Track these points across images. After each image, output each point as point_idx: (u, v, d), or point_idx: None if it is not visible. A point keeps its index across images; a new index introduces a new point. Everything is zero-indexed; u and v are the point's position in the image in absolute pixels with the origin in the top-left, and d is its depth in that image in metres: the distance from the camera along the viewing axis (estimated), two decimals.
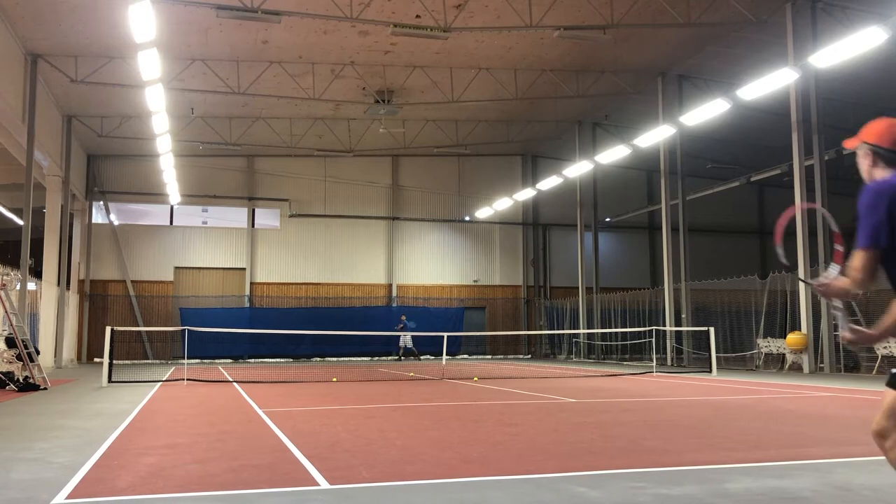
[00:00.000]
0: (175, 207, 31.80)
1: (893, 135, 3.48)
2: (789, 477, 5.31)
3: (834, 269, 3.58)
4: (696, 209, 28.59)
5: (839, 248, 3.76)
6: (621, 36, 20.83)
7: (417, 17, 18.42)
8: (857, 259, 3.28)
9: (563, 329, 32.76)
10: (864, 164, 3.54)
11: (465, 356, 33.31)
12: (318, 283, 32.83)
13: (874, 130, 3.53)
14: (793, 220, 19.83)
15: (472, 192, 34.55)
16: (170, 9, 17.10)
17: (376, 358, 31.60)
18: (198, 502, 4.62)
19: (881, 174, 3.44)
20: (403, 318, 30.97)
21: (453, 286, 34.32)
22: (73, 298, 28.14)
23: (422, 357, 30.90)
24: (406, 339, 30.18)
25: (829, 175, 19.82)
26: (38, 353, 16.17)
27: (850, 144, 3.67)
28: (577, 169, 27.94)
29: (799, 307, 20.01)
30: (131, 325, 29.67)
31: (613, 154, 25.43)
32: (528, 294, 35.44)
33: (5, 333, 15.44)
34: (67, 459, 6.27)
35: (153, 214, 31.84)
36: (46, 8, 17.58)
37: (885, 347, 18.01)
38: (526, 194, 32.13)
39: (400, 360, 30.45)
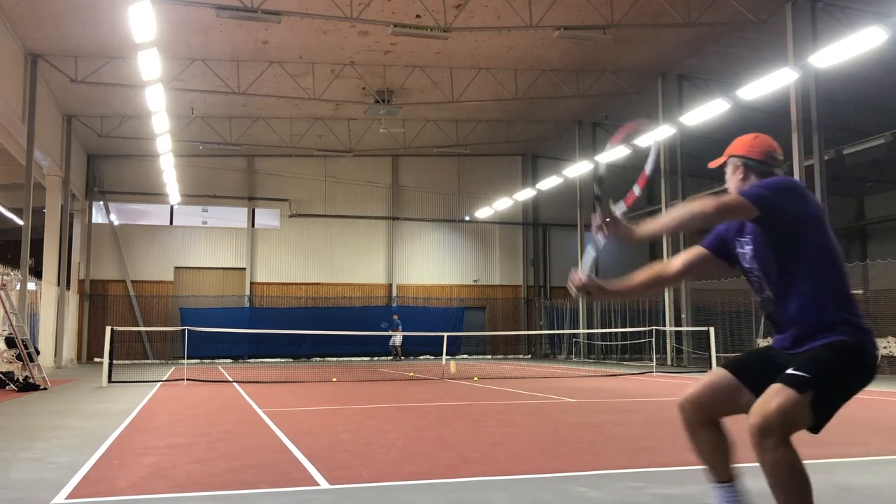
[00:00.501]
0: (175, 207, 31.79)
1: (762, 146, 3.44)
2: None
3: (620, 208, 3.35)
4: None
5: (638, 190, 3.53)
6: (621, 36, 20.82)
7: (417, 17, 18.41)
8: (731, 201, 3.08)
9: (563, 329, 32.76)
10: (733, 179, 3.44)
11: (465, 356, 33.30)
12: (318, 283, 32.82)
13: (743, 143, 3.47)
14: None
15: (472, 192, 34.54)
16: (170, 9, 17.10)
17: (376, 358, 31.58)
18: (198, 502, 4.62)
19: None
20: (395, 317, 30.69)
21: (453, 286, 34.32)
22: (73, 298, 28.14)
23: (402, 358, 30.72)
24: (396, 337, 29.85)
25: (829, 175, 19.81)
26: (38, 353, 16.17)
27: (715, 164, 3.57)
28: (577, 169, 27.95)
29: None
30: (131, 325, 29.66)
31: (613, 154, 25.41)
32: (528, 294, 35.44)
33: (5, 333, 15.44)
34: (67, 459, 6.27)
35: (153, 214, 31.84)
36: (46, 8, 17.57)
37: (884, 347, 17.99)
38: (526, 194, 32.14)
39: (399, 359, 30.38)
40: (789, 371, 3.03)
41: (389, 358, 30.75)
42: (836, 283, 3.13)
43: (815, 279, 3.12)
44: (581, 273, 3.34)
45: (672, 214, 3.13)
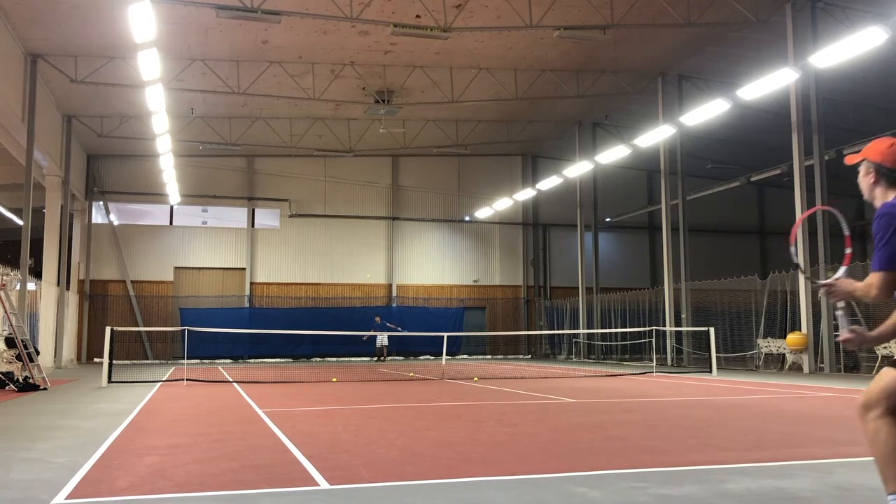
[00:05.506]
0: (175, 207, 31.79)
1: None
2: (789, 477, 5.31)
3: (842, 271, 3.64)
4: (696, 209, 28.60)
5: (848, 250, 3.84)
6: (621, 36, 20.83)
7: (417, 17, 18.42)
8: (875, 279, 3.37)
9: (563, 329, 32.76)
10: (865, 181, 3.61)
11: (465, 356, 33.31)
12: (318, 283, 32.82)
13: (878, 149, 3.57)
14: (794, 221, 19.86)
15: (472, 192, 34.55)
16: (170, 9, 17.10)
17: (375, 359, 31.57)
18: (198, 502, 4.62)
19: (881, 193, 3.52)
20: (378, 318, 30.37)
21: (453, 286, 34.32)
22: (72, 298, 28.14)
23: (387, 359, 30.33)
24: (383, 338, 29.43)
25: (829, 175, 19.83)
26: (37, 353, 16.17)
27: (852, 160, 3.72)
28: (577, 169, 27.94)
29: (799, 307, 20.01)
30: (131, 326, 29.67)
31: (613, 154, 25.44)
32: (528, 294, 35.44)
33: (5, 333, 15.45)
34: (67, 459, 6.27)
35: (153, 214, 31.84)
36: (46, 8, 17.57)
37: (885, 348, 18.01)
38: (526, 194, 32.13)
39: (378, 360, 29.80)
40: None
41: (375, 359, 30.26)
42: None
43: None
44: (845, 331, 3.60)
45: (862, 291, 3.47)
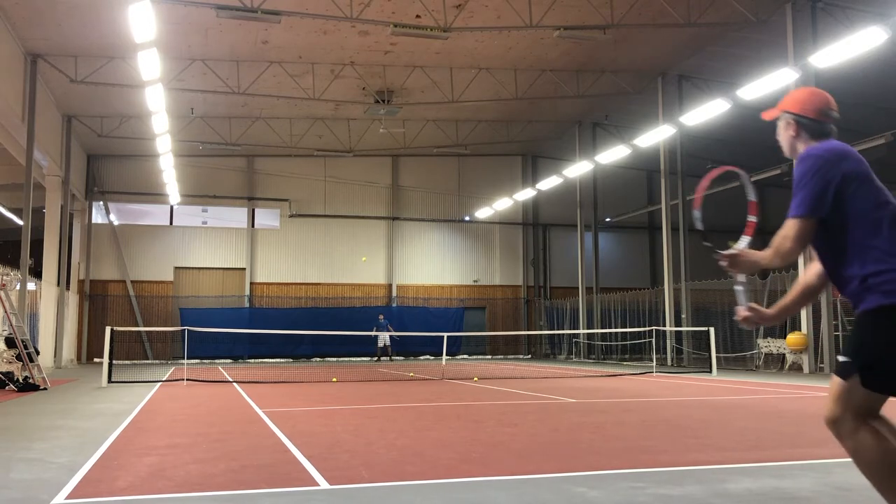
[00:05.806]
0: (175, 207, 31.79)
1: (817, 103, 3.34)
2: (789, 477, 5.31)
3: (743, 241, 3.43)
4: None
5: (752, 218, 3.61)
6: (621, 36, 20.82)
7: (417, 17, 18.42)
8: (791, 228, 3.12)
9: (563, 329, 32.76)
10: (785, 135, 3.41)
11: (465, 356, 33.30)
12: (318, 283, 32.82)
13: (798, 98, 3.39)
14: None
15: (472, 192, 34.55)
16: (170, 9, 17.10)
17: (376, 358, 31.58)
18: (198, 502, 4.62)
19: (803, 146, 3.31)
20: (381, 317, 30.44)
21: (453, 286, 34.32)
22: (72, 298, 28.14)
23: (393, 358, 30.35)
24: (385, 338, 29.42)
25: None
26: (37, 353, 16.17)
27: (769, 115, 3.52)
28: (577, 169, 27.95)
29: None
30: (131, 326, 29.66)
31: (613, 154, 25.44)
32: (528, 294, 35.44)
33: (5, 333, 15.45)
34: (67, 459, 6.27)
35: (153, 214, 31.83)
36: (46, 8, 17.57)
37: None
38: (526, 194, 32.14)
39: (379, 360, 29.84)
40: (838, 357, 3.15)
41: (375, 359, 30.21)
42: (866, 239, 3.07)
43: (851, 237, 3.10)
44: (743, 308, 3.41)
45: (770, 253, 3.20)
